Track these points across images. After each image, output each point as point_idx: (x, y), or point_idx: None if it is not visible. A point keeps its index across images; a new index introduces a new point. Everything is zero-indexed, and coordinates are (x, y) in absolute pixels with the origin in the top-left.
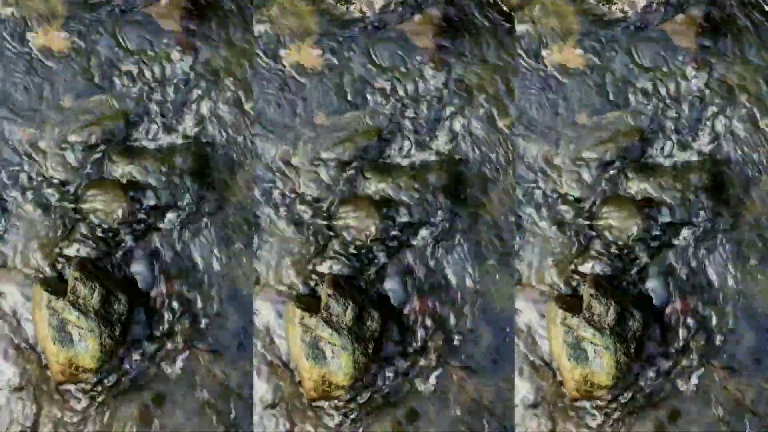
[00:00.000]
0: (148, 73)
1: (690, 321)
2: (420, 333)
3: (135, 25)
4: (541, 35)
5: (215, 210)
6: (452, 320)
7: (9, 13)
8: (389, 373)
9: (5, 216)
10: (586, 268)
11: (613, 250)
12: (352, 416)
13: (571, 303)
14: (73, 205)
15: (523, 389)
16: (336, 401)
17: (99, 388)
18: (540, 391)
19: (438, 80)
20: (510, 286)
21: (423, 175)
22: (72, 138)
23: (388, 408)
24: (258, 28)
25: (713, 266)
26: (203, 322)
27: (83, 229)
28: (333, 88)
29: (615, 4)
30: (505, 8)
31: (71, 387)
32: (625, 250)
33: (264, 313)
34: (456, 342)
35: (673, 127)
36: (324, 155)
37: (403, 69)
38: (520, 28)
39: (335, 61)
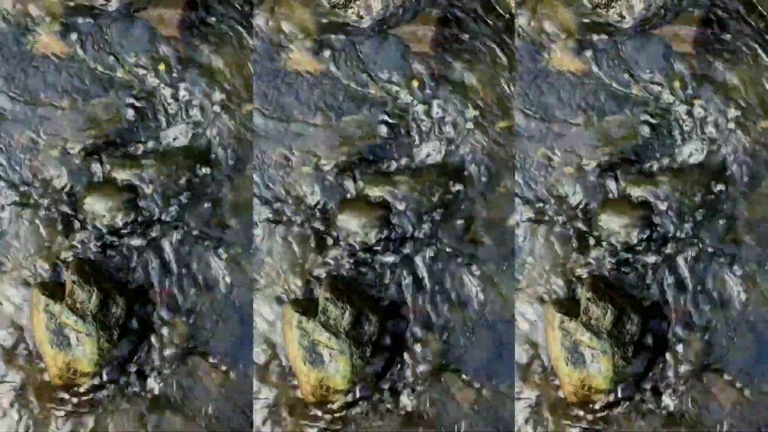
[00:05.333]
0: (146, 77)
1: (688, 325)
2: (418, 336)
3: (133, 29)
4: (539, 39)
5: (213, 213)
6: (451, 324)
7: (8, 15)
8: (387, 377)
9: (4, 219)
10: (584, 271)
11: (612, 253)
12: (350, 420)
13: (569, 306)
14: (71, 209)
15: (522, 393)
16: (334, 405)
17: (96, 392)
18: (538, 395)
19: (436, 84)
20: (509, 289)
21: (421, 178)
22: (71, 141)
23: (387, 412)
24: (256, 32)
25: (711, 270)
26: (202, 325)
27: (81, 232)
28: (331, 92)
29: (613, 8)
30: (502, 12)
31: (69, 391)
32: (624, 254)
33: (262, 317)
34: (455, 345)
35: (671, 131)
36: (322, 158)
37: (400, 72)
38: (518, 31)
39: (333, 64)
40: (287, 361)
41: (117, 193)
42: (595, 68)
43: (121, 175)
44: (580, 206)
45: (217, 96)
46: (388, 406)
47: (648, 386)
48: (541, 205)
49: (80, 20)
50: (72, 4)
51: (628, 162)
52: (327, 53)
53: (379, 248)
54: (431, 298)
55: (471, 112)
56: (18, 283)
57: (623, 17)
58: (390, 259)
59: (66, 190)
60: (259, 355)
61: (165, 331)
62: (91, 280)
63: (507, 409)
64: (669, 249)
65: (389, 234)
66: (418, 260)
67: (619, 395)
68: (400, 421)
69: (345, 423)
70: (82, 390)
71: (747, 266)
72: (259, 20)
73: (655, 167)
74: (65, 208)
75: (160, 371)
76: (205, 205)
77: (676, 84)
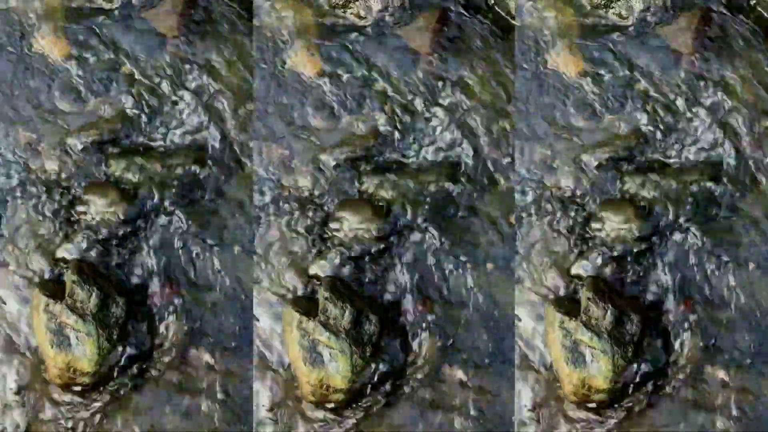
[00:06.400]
0: (146, 77)
1: (689, 324)
2: (418, 336)
3: (133, 30)
4: (538, 39)
5: (214, 212)
6: (451, 323)
7: (7, 16)
8: (387, 377)
9: (3, 218)
10: (584, 270)
11: (612, 252)
12: (350, 420)
13: (569, 306)
14: (71, 208)
15: (522, 393)
16: (334, 405)
17: (97, 392)
18: (538, 395)
19: (435, 84)
20: (509, 289)
21: (421, 177)
22: (70, 141)
23: (386, 412)
24: (256, 33)
25: (712, 269)
26: (202, 325)
27: (81, 231)
28: (331, 92)
29: (612, 8)
30: (502, 12)
31: (69, 391)
32: (624, 253)
33: (262, 316)
34: (454, 345)
35: (671, 130)
36: (322, 157)
37: (400, 72)
38: (517, 32)
39: (333, 65)
40: (287, 361)
41: (117, 192)
42: (594, 68)
43: (122, 174)
44: (580, 205)
45: (217, 95)
46: (388, 405)
47: (648, 386)
48: (540, 204)
49: (80, 20)
50: (72, 3)
51: (628, 161)
52: (327, 53)
53: (379, 247)
54: (431, 298)
55: (471, 112)
56: (18, 283)
57: (623, 17)
58: (390, 258)
59: (66, 189)
60: (259, 354)
61: (165, 330)
62: (91, 280)
63: (507, 409)
64: (669, 248)
65: (389, 233)
66: (417, 259)
67: (619, 395)
68: (399, 421)
69: (345, 423)
70: (82, 390)
71: (747, 266)
72: (259, 20)
73: (656, 167)
74: (65, 208)
75: (160, 371)
76: (205, 204)
77: (676, 84)
